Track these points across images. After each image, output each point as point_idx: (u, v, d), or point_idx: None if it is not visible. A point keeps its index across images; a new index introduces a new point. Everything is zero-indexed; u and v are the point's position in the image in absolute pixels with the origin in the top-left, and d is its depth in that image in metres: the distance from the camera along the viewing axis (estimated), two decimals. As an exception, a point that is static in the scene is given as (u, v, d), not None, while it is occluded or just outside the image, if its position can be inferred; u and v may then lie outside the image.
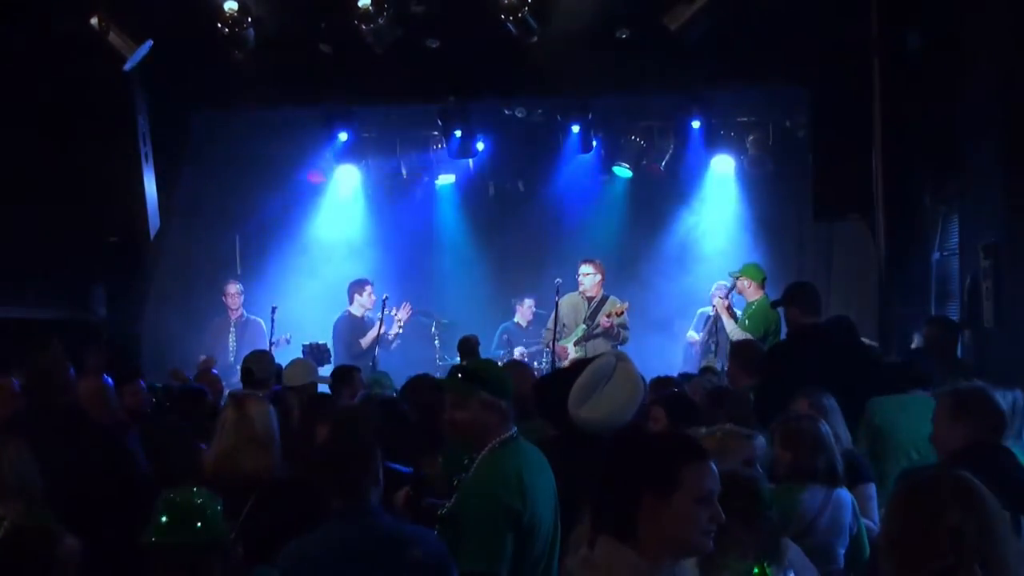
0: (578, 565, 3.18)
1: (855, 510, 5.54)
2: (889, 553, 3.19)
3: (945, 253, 10.55)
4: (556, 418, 5.40)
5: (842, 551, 5.39)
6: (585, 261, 12.41)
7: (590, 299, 12.30)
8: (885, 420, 6.95)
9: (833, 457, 5.57)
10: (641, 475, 3.16)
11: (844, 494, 5.53)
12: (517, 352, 12.81)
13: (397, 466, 5.75)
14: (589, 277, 12.28)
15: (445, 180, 14.74)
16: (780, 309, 9.00)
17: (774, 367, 8.10)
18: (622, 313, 12.11)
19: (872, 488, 6.20)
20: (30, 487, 5.49)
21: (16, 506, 5.36)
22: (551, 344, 12.09)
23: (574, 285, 12.40)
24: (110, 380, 7.18)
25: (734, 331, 10.88)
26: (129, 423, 7.51)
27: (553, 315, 12.14)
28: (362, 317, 12.81)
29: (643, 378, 5.47)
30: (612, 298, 12.35)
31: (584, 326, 12.17)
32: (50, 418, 6.26)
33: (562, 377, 5.53)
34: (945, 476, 3.27)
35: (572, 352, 11.90)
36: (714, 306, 11.40)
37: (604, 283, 12.42)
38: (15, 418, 6.80)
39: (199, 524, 4.15)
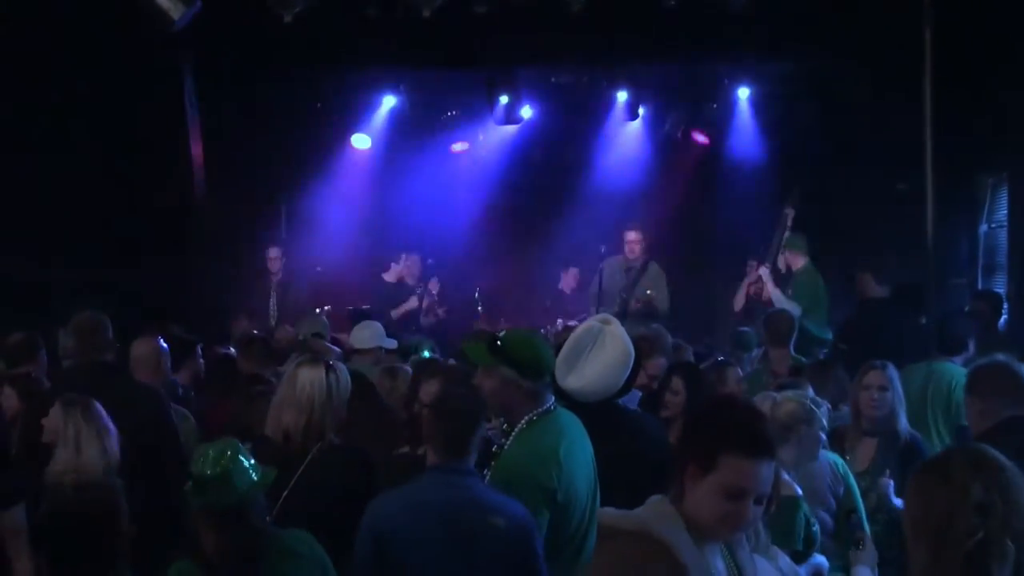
0: (617, 514, 3.16)
1: None
2: (918, 538, 3.05)
3: (993, 225, 10.46)
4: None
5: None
6: (632, 229, 12.23)
7: (628, 270, 12.03)
8: (912, 388, 6.95)
9: None
10: (690, 444, 3.15)
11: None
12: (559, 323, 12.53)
13: None
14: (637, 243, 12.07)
15: (490, 146, 14.70)
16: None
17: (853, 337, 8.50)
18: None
19: None
20: (108, 453, 5.56)
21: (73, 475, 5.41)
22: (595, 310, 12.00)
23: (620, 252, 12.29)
24: (165, 345, 7.25)
25: (780, 300, 10.82)
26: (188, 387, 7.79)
27: (597, 280, 12.09)
28: (397, 284, 12.84)
29: (631, 342, 5.32)
30: (652, 263, 12.12)
31: (620, 297, 11.89)
32: (91, 375, 6.32)
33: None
34: (961, 452, 3.18)
35: None
36: (759, 276, 11.34)
37: (650, 250, 12.29)
38: (57, 375, 6.91)
39: (227, 482, 4.16)
